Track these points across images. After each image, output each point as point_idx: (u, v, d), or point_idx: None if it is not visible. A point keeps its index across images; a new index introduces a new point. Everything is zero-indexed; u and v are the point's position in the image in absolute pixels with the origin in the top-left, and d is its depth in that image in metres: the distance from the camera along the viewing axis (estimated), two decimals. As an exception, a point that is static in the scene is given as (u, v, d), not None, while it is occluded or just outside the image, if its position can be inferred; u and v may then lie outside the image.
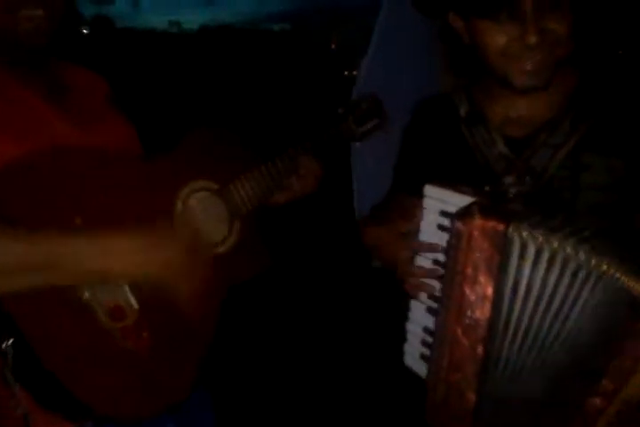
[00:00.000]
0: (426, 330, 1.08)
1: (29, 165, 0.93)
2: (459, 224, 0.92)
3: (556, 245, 0.85)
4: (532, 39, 1.02)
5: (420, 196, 1.07)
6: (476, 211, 0.91)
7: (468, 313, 0.92)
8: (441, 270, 1.03)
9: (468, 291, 0.92)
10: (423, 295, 1.09)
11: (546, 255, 0.85)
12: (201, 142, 1.21)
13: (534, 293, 0.87)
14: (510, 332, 0.90)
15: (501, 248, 0.88)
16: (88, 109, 1.13)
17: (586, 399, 0.86)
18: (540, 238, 0.85)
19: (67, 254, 0.90)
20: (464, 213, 0.93)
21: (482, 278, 0.91)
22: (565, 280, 0.85)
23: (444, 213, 1.03)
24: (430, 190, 1.05)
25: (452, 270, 0.94)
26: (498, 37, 1.06)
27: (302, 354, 2.94)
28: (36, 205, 0.93)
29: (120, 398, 0.98)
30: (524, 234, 0.87)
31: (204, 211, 1.16)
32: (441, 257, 1.03)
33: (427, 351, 1.07)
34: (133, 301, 1.02)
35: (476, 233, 0.90)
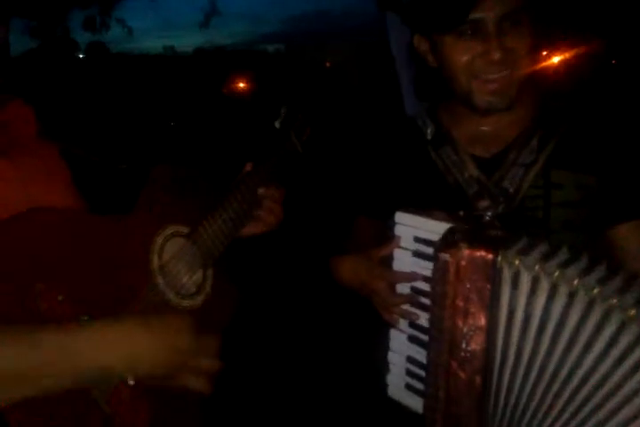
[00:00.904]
0: (410, 360, 1.05)
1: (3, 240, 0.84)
2: (444, 255, 0.89)
3: (556, 274, 0.82)
4: (496, 55, 1.02)
5: (384, 220, 1.05)
6: (460, 240, 0.88)
7: (463, 345, 0.90)
8: (420, 298, 1.01)
9: (460, 323, 0.90)
10: (404, 324, 1.06)
11: (545, 285, 0.83)
12: (163, 181, 1.12)
13: (535, 322, 0.85)
14: (510, 362, 0.88)
15: (492, 278, 0.86)
16: (20, 144, 1.03)
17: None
18: (536, 267, 0.83)
19: (75, 352, 0.81)
20: (448, 244, 0.90)
21: (474, 310, 0.88)
22: (576, 312, 0.81)
23: (418, 240, 1.01)
24: (402, 217, 1.03)
25: (440, 303, 0.91)
26: (462, 54, 1.06)
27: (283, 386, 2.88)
28: (16, 284, 0.85)
29: None
30: (515, 262, 0.85)
31: (180, 261, 1.08)
32: (421, 285, 1.01)
33: (412, 381, 1.05)
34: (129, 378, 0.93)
35: (463, 264, 0.88)
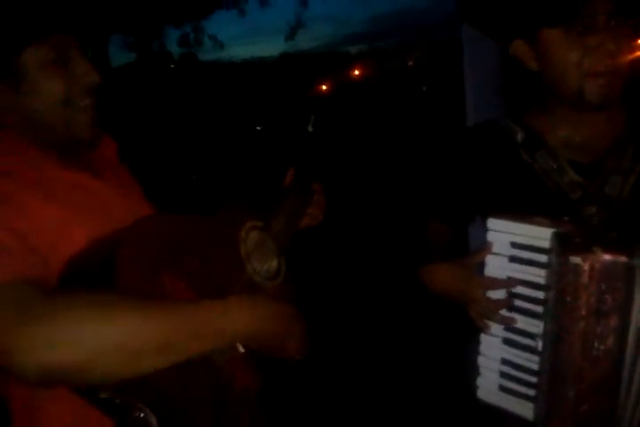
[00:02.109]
0: (504, 362, 1.07)
1: (137, 237, 0.94)
2: (576, 259, 0.92)
3: None
4: (611, 46, 1.03)
5: (464, 226, 1.08)
6: (592, 245, 0.91)
7: (596, 345, 0.93)
8: (518, 302, 1.03)
9: (593, 323, 0.92)
10: (497, 327, 1.07)
11: None
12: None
13: None
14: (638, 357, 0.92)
15: (626, 279, 0.90)
16: (110, 167, 1.18)
17: None
18: None
19: (203, 326, 0.89)
20: (578, 248, 0.92)
21: (607, 311, 0.92)
22: None
23: (516, 245, 1.02)
24: (495, 223, 1.03)
25: (570, 305, 0.94)
26: (573, 50, 1.06)
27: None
28: (150, 276, 0.93)
29: None
30: None
31: (261, 249, 1.21)
32: (519, 290, 1.03)
33: (508, 383, 1.07)
34: (239, 346, 1.05)
35: (598, 266, 0.90)
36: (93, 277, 0.86)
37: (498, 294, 1.05)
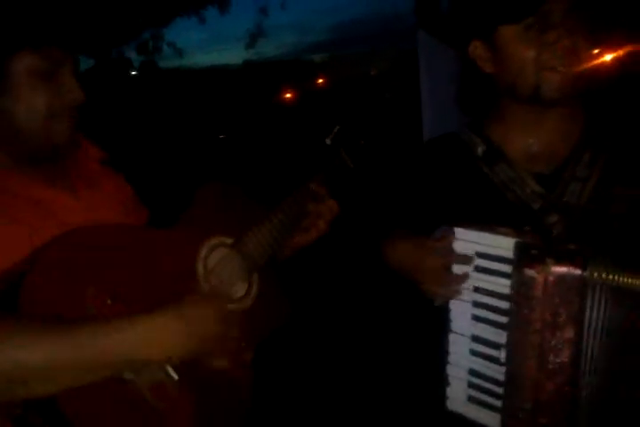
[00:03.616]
0: (472, 372, 1.07)
1: (60, 250, 0.92)
2: (530, 272, 0.92)
3: (630, 281, 0.87)
4: (567, 42, 1.04)
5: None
6: (545, 256, 0.92)
7: (551, 358, 0.93)
8: (485, 312, 1.03)
9: (549, 336, 0.93)
10: (466, 339, 1.07)
11: (621, 291, 0.88)
12: (211, 198, 1.20)
13: (622, 333, 0.90)
14: (596, 371, 0.93)
15: (580, 291, 0.90)
16: (85, 177, 1.15)
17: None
18: (615, 277, 0.88)
19: (111, 351, 0.87)
20: (530, 259, 0.93)
21: (562, 323, 0.92)
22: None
23: (481, 255, 1.02)
24: (462, 233, 1.04)
25: (525, 317, 0.94)
26: (529, 47, 1.07)
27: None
28: (69, 287, 0.92)
29: None
30: (599, 274, 0.89)
31: (224, 268, 1.15)
32: (484, 299, 1.03)
33: (476, 393, 1.07)
34: (172, 372, 0.99)
35: (552, 279, 0.91)
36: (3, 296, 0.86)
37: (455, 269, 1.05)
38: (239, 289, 1.17)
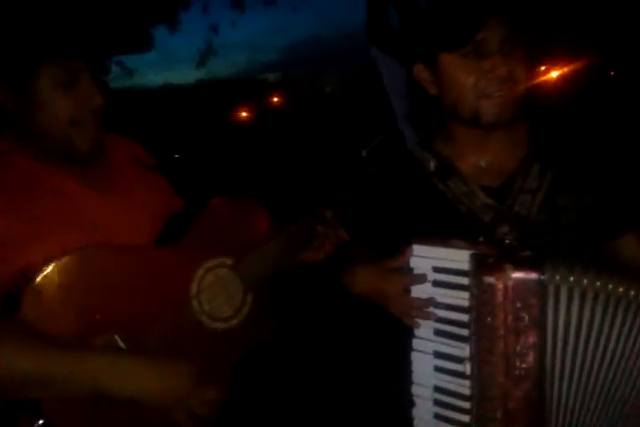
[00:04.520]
0: (437, 389, 1.05)
1: (65, 266, 0.99)
2: (489, 279, 0.92)
3: (585, 282, 0.88)
4: (502, 71, 1.07)
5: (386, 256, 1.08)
6: (504, 263, 0.92)
7: (517, 364, 0.92)
8: (443, 326, 1.02)
9: (512, 342, 0.92)
10: (428, 356, 1.05)
11: (577, 293, 0.89)
12: (215, 216, 1.24)
13: (583, 333, 0.90)
14: (562, 373, 0.92)
15: (540, 295, 0.90)
16: (115, 176, 1.19)
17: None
18: (571, 279, 0.89)
19: (84, 377, 0.94)
20: (490, 268, 0.92)
21: (525, 328, 0.91)
22: (619, 317, 0.88)
23: (438, 270, 1.02)
24: (417, 249, 1.03)
25: (488, 325, 0.93)
26: (468, 74, 1.10)
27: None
28: (67, 302, 0.99)
29: None
30: (557, 278, 0.90)
31: (220, 288, 1.18)
32: (443, 313, 1.02)
33: (442, 411, 1.04)
34: None
35: (511, 284, 0.91)
36: (7, 303, 0.95)
37: (416, 293, 1.04)
38: (230, 309, 1.19)
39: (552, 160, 1.17)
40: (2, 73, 1.05)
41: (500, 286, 0.90)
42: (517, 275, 0.90)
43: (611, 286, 0.87)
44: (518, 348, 0.91)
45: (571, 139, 1.20)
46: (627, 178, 1.17)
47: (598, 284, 0.87)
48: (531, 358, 0.91)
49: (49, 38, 1.02)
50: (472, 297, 0.95)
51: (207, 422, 1.08)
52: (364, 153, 1.33)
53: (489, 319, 0.92)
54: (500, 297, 0.91)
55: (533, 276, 0.90)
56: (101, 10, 1.11)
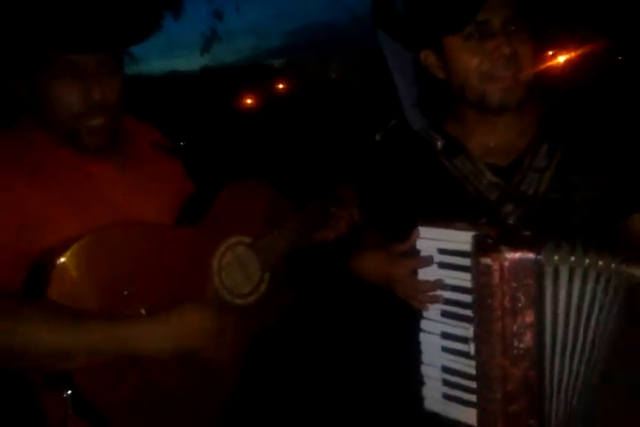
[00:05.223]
0: (445, 369, 1.07)
1: (90, 244, 1.02)
2: (486, 260, 0.93)
3: (587, 262, 0.89)
4: (506, 50, 1.07)
5: (396, 236, 1.10)
6: (499, 244, 0.93)
7: (515, 344, 0.94)
8: (451, 307, 1.04)
9: (510, 322, 0.94)
10: (436, 337, 1.07)
11: (578, 273, 0.90)
12: (237, 197, 1.29)
13: (584, 312, 0.91)
14: (558, 352, 0.94)
15: (536, 275, 0.92)
16: (133, 157, 1.22)
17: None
18: (571, 259, 0.90)
19: (106, 342, 1.00)
20: (485, 249, 0.94)
21: (522, 308, 0.93)
22: (599, 288, 0.90)
23: (442, 251, 1.04)
24: (423, 231, 1.05)
25: (487, 306, 0.95)
26: (472, 56, 1.10)
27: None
28: (93, 280, 1.03)
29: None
30: (554, 258, 0.91)
31: (239, 265, 1.23)
32: (450, 295, 1.04)
33: (451, 391, 1.07)
34: None
35: (507, 265, 0.92)
36: (35, 280, 0.99)
37: (423, 275, 1.07)
38: (248, 286, 1.24)
39: (561, 139, 1.16)
40: (11, 65, 1.07)
41: (497, 266, 0.92)
42: (513, 255, 0.91)
43: (613, 266, 0.87)
44: (515, 328, 0.93)
45: (581, 118, 1.19)
46: (638, 155, 1.15)
47: (600, 263, 0.88)
48: (528, 337, 0.93)
49: (54, 32, 1.02)
50: (473, 278, 0.97)
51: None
52: (377, 137, 1.34)
53: (489, 301, 0.94)
54: (496, 278, 0.92)
55: (530, 256, 0.91)
56: (108, 2, 1.11)
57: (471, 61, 1.10)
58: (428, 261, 1.05)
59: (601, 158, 1.14)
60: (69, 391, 0.99)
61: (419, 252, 1.07)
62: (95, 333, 0.99)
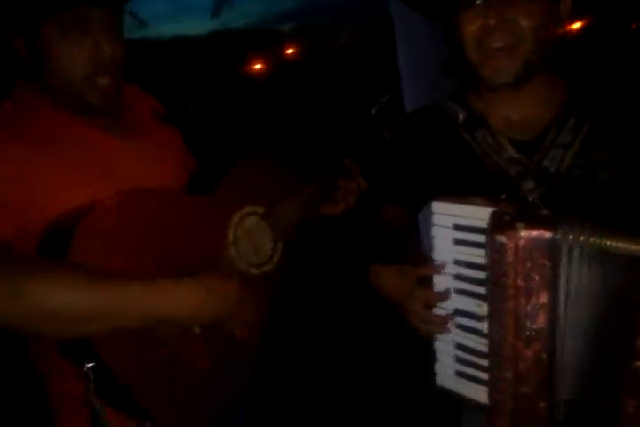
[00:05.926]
0: (459, 346, 1.06)
1: (104, 210, 1.00)
2: (500, 238, 0.91)
3: (605, 243, 0.86)
4: (492, 21, 1.02)
5: (414, 210, 1.10)
6: (516, 221, 0.90)
7: (527, 324, 0.92)
8: (465, 284, 1.02)
9: (523, 302, 0.92)
10: (449, 313, 1.06)
11: (593, 254, 0.87)
12: (252, 167, 1.30)
13: (597, 295, 0.89)
14: (569, 333, 0.91)
15: (551, 255, 0.89)
16: (137, 126, 1.20)
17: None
18: (589, 240, 0.87)
19: (130, 304, 0.96)
20: (501, 226, 0.91)
21: (535, 288, 0.91)
22: (617, 271, 0.87)
23: (459, 227, 1.01)
24: (439, 206, 1.03)
25: (501, 284, 0.93)
26: (469, 24, 1.07)
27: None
28: (111, 247, 1.00)
29: (175, 407, 1.07)
30: (570, 237, 0.87)
31: (253, 235, 1.24)
32: (465, 271, 1.02)
33: (463, 368, 1.06)
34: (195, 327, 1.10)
35: (522, 243, 0.90)
36: (54, 245, 0.97)
37: (438, 254, 1.05)
38: (263, 255, 1.26)
39: (589, 115, 1.12)
40: (11, 24, 1.03)
41: (511, 244, 0.89)
42: (529, 234, 0.89)
43: (633, 248, 0.83)
44: (529, 308, 0.91)
45: (609, 94, 1.15)
46: None
47: (620, 246, 0.84)
48: (541, 319, 0.91)
49: None
50: (487, 255, 0.95)
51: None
52: (373, 111, 1.35)
53: (503, 279, 0.92)
54: (510, 256, 0.90)
55: (546, 235, 0.88)
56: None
57: (469, 29, 1.07)
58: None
59: (629, 135, 1.09)
60: (90, 365, 0.96)
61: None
62: (120, 294, 0.95)
